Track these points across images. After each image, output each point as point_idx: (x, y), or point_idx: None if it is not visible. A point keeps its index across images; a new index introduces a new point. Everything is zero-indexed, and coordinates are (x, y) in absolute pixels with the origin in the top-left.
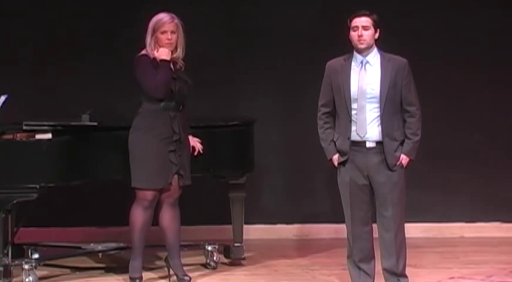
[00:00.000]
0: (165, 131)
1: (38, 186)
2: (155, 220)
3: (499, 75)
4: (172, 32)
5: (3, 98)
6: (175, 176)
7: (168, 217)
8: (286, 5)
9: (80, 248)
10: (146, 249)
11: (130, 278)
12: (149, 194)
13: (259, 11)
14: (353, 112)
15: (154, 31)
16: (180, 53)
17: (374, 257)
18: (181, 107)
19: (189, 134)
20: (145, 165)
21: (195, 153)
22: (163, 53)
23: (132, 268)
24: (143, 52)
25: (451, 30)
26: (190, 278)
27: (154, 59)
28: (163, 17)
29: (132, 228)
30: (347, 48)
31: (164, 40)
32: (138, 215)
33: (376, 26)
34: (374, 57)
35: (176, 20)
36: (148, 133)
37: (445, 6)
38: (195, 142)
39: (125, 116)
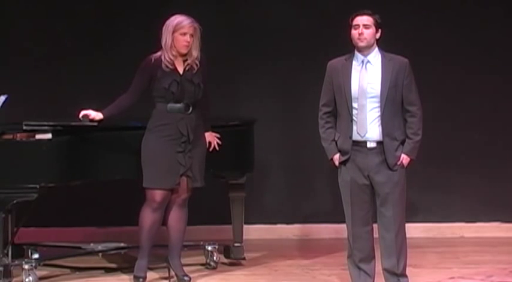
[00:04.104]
0: (173, 133)
1: (38, 186)
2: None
3: (499, 74)
4: (191, 35)
5: (3, 98)
6: (184, 177)
7: (174, 217)
8: (286, 5)
9: (80, 248)
10: (152, 249)
11: (135, 276)
12: (157, 194)
13: (260, 11)
14: (354, 111)
15: (173, 32)
16: (194, 56)
17: (374, 257)
18: (190, 109)
19: (208, 130)
20: (153, 166)
21: (210, 149)
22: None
23: (137, 267)
24: (155, 54)
25: (451, 30)
26: (190, 278)
27: (155, 63)
28: (183, 19)
29: (140, 228)
30: (348, 49)
31: (182, 41)
32: (147, 216)
33: (377, 25)
34: (375, 57)
35: (195, 24)
36: (156, 134)
37: (446, 6)
38: (212, 137)
39: (125, 116)
